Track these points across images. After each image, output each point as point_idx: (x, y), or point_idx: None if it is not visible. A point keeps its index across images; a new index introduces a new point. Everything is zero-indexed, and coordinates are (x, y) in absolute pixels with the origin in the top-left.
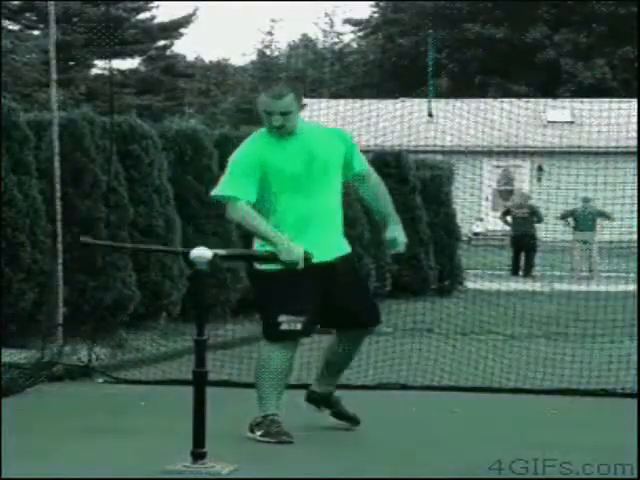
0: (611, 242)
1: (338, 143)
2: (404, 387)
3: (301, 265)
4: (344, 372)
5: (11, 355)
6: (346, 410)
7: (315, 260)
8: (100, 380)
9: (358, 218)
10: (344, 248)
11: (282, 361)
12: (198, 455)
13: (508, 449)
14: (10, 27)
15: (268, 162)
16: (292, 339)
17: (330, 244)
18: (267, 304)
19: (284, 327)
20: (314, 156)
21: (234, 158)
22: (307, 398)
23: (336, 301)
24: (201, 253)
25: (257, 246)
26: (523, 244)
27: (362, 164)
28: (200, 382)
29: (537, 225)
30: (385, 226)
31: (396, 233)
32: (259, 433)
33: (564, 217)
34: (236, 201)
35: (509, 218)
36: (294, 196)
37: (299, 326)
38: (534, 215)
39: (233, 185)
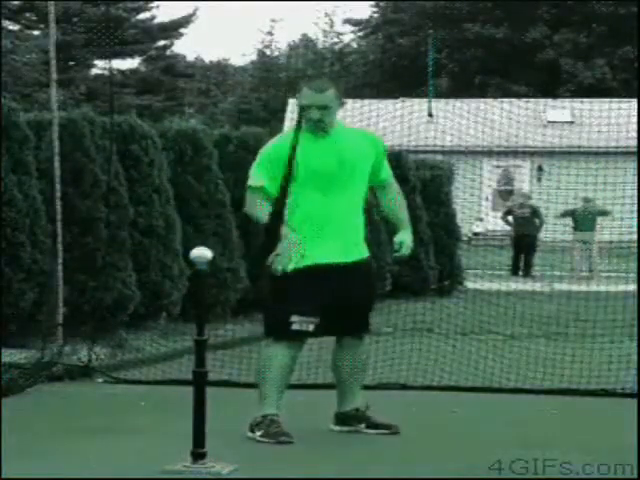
0: (611, 242)
1: (370, 148)
2: (404, 387)
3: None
4: (361, 383)
5: (11, 355)
6: (379, 420)
7: (331, 260)
8: (100, 380)
9: None
10: (362, 252)
11: (286, 360)
12: (198, 455)
13: (508, 449)
14: (10, 27)
15: (297, 157)
16: (300, 339)
17: (348, 246)
18: (277, 303)
19: (295, 327)
20: (344, 157)
21: (262, 150)
22: (336, 422)
23: (338, 303)
24: (201, 253)
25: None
26: (524, 244)
27: (388, 173)
28: (200, 382)
29: (537, 225)
30: (396, 231)
31: (404, 237)
32: (259, 433)
33: (564, 216)
34: (253, 192)
35: (510, 218)
36: (318, 194)
37: (310, 326)
38: (535, 215)
39: (254, 177)
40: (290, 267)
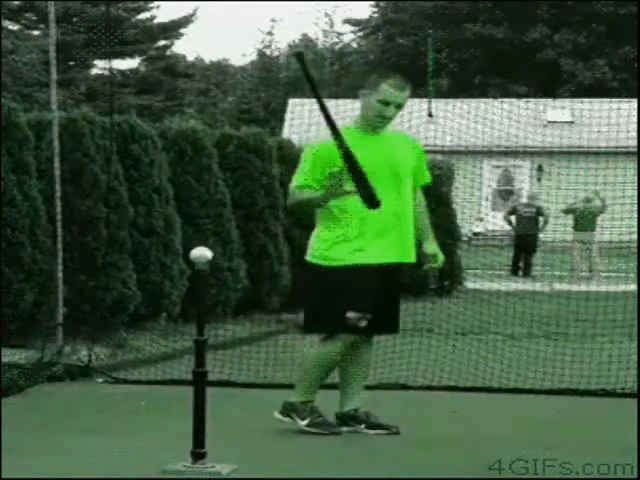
0: (611, 242)
1: (411, 150)
2: (404, 387)
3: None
4: (362, 384)
5: (11, 355)
6: (379, 421)
7: (380, 260)
8: (100, 380)
9: None
10: (409, 256)
11: (339, 359)
12: (198, 455)
13: (508, 449)
14: (10, 27)
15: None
16: (354, 336)
17: (405, 247)
18: (333, 300)
19: (352, 324)
20: (393, 158)
21: (309, 150)
22: (336, 423)
23: (384, 301)
24: (201, 253)
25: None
26: (525, 244)
27: (429, 176)
28: (200, 382)
29: (541, 225)
30: (422, 240)
31: (435, 248)
32: (304, 423)
33: (567, 213)
34: (298, 191)
35: (512, 218)
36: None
37: (364, 323)
38: (540, 214)
39: (299, 177)
40: (349, 261)
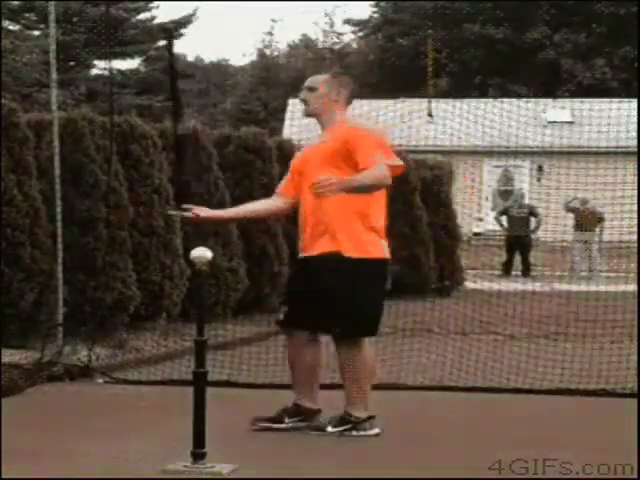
0: (611, 242)
1: (335, 139)
2: (404, 387)
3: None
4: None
5: (11, 355)
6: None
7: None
8: (100, 380)
9: None
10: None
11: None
12: (198, 455)
13: (508, 449)
14: (10, 27)
15: None
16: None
17: (307, 241)
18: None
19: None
20: (305, 154)
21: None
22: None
23: None
24: (201, 253)
25: None
26: (518, 245)
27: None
28: (200, 382)
29: (536, 225)
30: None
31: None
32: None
33: (568, 211)
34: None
35: (503, 218)
36: None
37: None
38: (532, 214)
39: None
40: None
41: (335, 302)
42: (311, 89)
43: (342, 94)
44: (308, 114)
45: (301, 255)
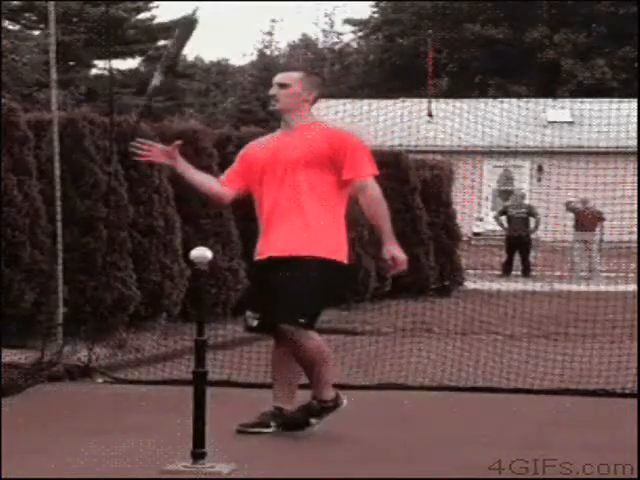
0: (611, 242)
1: (321, 142)
2: (404, 387)
3: None
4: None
5: (11, 355)
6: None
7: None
8: (100, 380)
9: (357, 219)
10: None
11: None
12: (198, 455)
13: (508, 449)
14: (10, 27)
15: None
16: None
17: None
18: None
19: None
20: (281, 152)
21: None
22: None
23: None
24: (201, 253)
25: None
26: (517, 245)
27: (362, 171)
28: (200, 382)
29: (535, 225)
30: (381, 242)
31: (396, 251)
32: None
33: (569, 210)
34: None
35: (503, 218)
36: None
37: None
38: (531, 215)
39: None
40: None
41: (275, 293)
42: (282, 85)
43: (313, 95)
44: (277, 110)
45: (265, 256)
